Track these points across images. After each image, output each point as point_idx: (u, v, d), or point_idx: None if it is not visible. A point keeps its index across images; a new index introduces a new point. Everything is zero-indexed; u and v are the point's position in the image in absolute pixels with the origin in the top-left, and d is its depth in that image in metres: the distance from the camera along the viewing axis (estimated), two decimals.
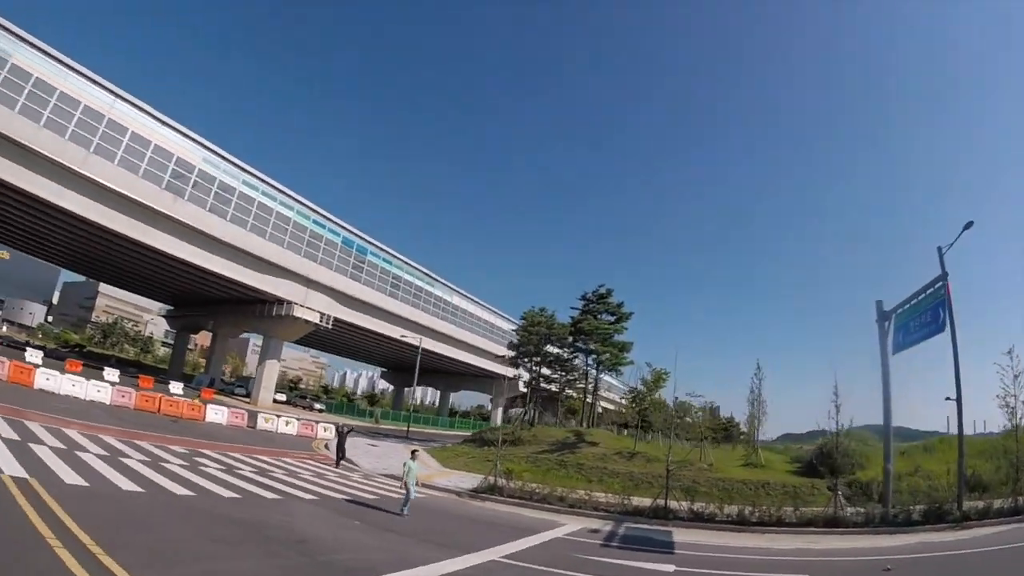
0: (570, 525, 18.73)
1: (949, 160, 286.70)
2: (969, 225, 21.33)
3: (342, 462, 27.57)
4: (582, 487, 25.55)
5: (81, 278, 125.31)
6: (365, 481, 23.86)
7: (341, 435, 28.41)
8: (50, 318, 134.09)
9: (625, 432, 53.98)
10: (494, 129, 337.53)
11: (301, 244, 57.02)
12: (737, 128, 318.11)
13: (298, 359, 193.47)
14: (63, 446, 16.66)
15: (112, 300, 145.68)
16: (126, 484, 13.52)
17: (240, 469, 19.96)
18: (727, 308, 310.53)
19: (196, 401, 36.05)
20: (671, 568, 13.00)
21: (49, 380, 30.09)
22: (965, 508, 20.23)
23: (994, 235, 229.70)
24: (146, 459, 17.62)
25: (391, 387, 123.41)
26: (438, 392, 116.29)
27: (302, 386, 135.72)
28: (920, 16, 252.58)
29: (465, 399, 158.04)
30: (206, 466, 18.93)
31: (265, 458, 24.79)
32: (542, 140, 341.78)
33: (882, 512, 20.88)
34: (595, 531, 18.19)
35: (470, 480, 26.44)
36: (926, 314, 21.73)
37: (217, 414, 34.77)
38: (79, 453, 16.18)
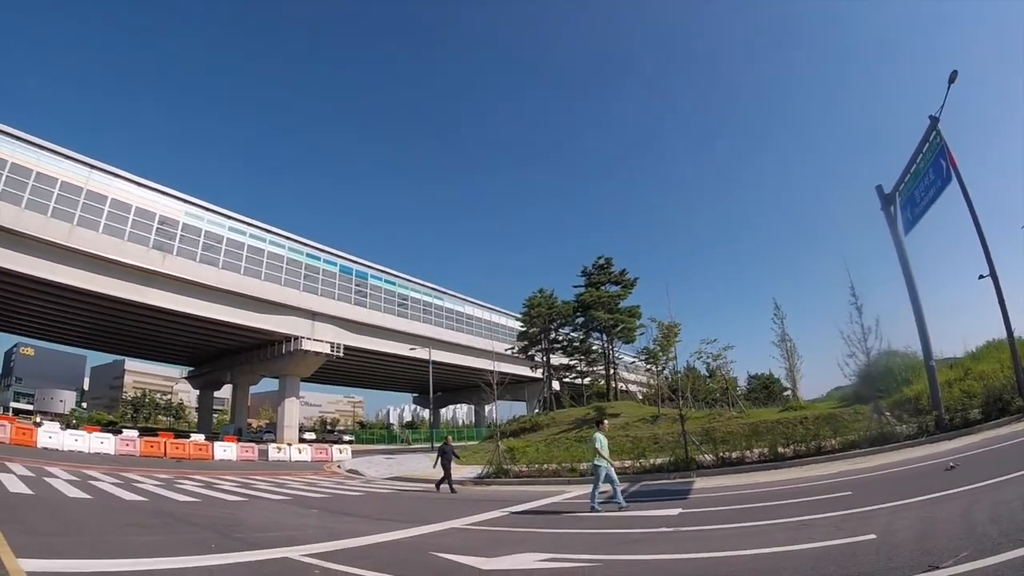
0: (575, 492, 17.02)
1: None
2: (954, 76, 18.45)
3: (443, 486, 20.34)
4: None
5: (106, 359, 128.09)
6: (363, 485, 23.48)
7: (444, 453, 20.79)
8: (84, 404, 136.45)
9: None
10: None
11: (298, 279, 57.77)
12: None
13: (333, 401, 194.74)
14: (32, 475, 16.80)
15: (138, 375, 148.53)
16: (73, 493, 13.55)
17: (220, 484, 19.75)
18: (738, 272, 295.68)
19: (203, 441, 36.16)
20: (676, 511, 11.32)
21: (52, 438, 30.33)
22: None
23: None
24: (118, 482, 17.56)
25: (427, 412, 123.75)
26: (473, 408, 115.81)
27: (340, 427, 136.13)
28: None
29: (504, 410, 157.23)
30: (182, 484, 18.76)
31: (258, 476, 24.59)
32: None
33: (935, 417, 18.65)
34: (602, 492, 15.73)
35: (480, 471, 24.87)
36: (928, 173, 19.65)
37: (226, 451, 34.78)
38: (46, 479, 16.30)
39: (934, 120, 19.59)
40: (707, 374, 43.86)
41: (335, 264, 62.62)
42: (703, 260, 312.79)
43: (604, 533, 9.74)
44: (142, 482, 18.29)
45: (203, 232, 50.69)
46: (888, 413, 20.62)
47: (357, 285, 64.43)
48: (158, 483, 18.37)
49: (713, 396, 40.63)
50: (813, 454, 18.47)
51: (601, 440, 13.00)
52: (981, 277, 19.65)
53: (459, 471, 26.84)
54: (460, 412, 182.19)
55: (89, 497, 13.25)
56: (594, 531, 10.03)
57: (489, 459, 24.81)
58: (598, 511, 12.01)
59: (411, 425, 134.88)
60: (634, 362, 65.25)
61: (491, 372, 26.71)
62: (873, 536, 6.89)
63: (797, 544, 7.05)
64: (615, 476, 12.79)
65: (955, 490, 9.22)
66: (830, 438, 19.66)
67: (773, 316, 40.91)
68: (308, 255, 59.74)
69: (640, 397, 60.43)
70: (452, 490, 19.60)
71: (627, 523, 10.63)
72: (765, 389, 73.12)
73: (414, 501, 17.61)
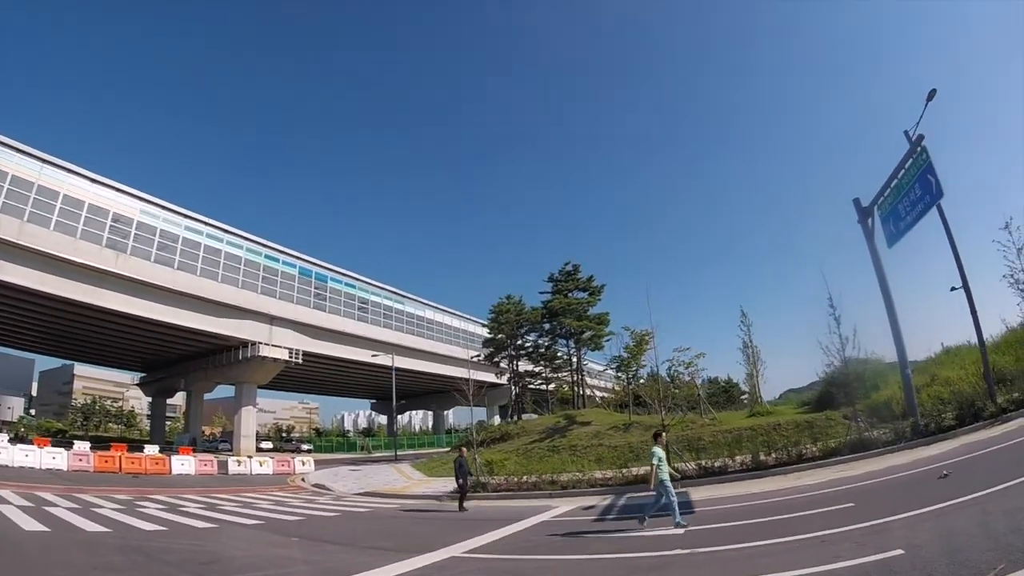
0: (563, 507, 16.65)
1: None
2: (932, 94, 18.98)
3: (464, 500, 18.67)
4: (573, 468, 23.55)
5: (55, 364, 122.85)
6: (335, 503, 22.49)
7: (461, 467, 19.08)
8: (32, 411, 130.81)
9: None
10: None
11: (256, 281, 56.09)
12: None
13: (288, 407, 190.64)
14: None
15: (89, 381, 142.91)
16: (30, 525, 12.47)
17: (184, 507, 18.61)
18: (705, 278, 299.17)
19: (159, 455, 34.63)
20: (681, 530, 10.80)
21: (1, 454, 28.60)
22: (998, 402, 18.38)
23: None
24: (76, 507, 16.41)
25: (385, 418, 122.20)
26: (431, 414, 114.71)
27: (296, 434, 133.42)
28: None
29: (464, 416, 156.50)
30: (143, 507, 17.63)
31: (222, 495, 23.42)
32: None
33: (911, 424, 18.85)
34: (590, 508, 16.11)
35: (453, 484, 24.50)
36: (915, 188, 19.83)
37: (184, 465, 33.18)
38: None
39: (919, 137, 19.93)
40: (669, 379, 44.08)
41: (294, 266, 61.01)
42: (664, 260, 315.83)
43: (622, 559, 9.24)
44: (101, 506, 17.14)
45: (159, 231, 48.80)
46: (860, 419, 20.89)
47: (317, 288, 62.93)
48: (118, 506, 17.23)
49: (676, 402, 40.78)
50: (795, 462, 18.50)
51: (660, 455, 12.12)
52: (953, 289, 20.37)
53: (431, 484, 26.38)
54: (416, 418, 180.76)
55: (47, 529, 12.14)
56: (610, 556, 9.53)
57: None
58: (682, 525, 11.07)
59: (368, 432, 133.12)
60: (605, 370, 65.40)
61: (465, 380, 26.34)
62: (902, 551, 6.73)
63: (828, 564, 6.81)
64: (670, 493, 11.64)
65: (959, 500, 9.14)
66: (810, 445, 19.70)
67: (740, 323, 41.51)
68: (267, 256, 58.06)
69: (599, 401, 60.76)
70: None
71: (635, 545, 10.15)
72: (725, 393, 74.56)
73: (397, 522, 16.91)
